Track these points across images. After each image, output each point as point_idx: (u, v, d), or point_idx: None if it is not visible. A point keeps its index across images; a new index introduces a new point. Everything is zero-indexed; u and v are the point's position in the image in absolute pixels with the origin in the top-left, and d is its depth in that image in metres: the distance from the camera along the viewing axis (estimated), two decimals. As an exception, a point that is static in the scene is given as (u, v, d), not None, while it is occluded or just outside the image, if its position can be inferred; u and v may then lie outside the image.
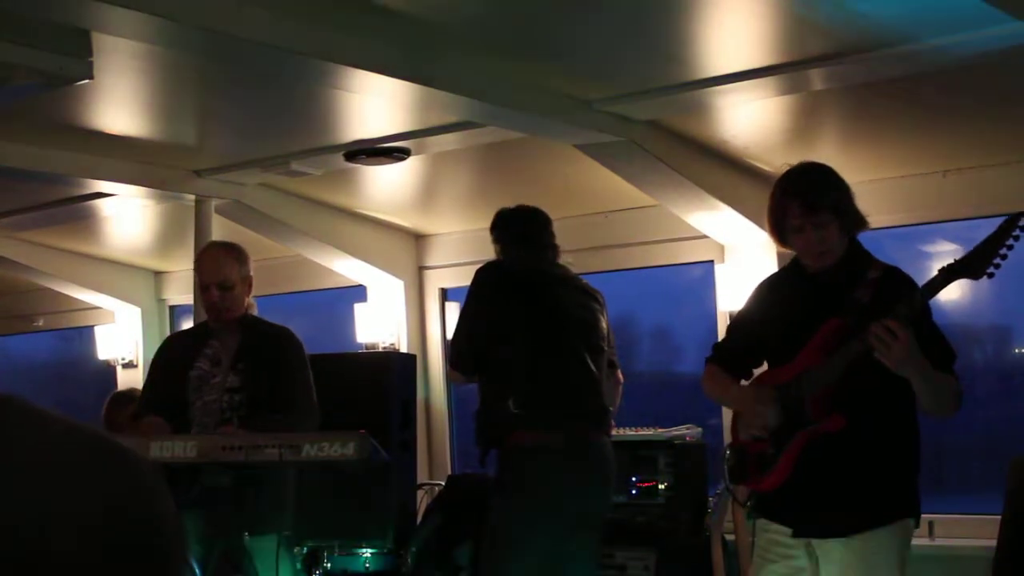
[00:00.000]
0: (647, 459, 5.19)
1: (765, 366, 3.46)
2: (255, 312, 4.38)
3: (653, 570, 5.01)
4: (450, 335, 5.50)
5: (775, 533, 3.29)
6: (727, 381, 3.46)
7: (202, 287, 4.26)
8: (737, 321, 3.59)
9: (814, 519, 3.20)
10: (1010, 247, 2.97)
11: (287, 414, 4.13)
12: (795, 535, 3.21)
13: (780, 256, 5.19)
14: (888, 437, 3.20)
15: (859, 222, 3.23)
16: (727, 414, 5.47)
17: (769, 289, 3.45)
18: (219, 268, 4.23)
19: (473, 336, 4.20)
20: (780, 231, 3.25)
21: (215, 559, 4.11)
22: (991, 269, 2.97)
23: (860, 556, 3.14)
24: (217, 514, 4.04)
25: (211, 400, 4.16)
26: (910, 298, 3.00)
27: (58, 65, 3.47)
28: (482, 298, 4.21)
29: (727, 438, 5.32)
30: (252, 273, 4.31)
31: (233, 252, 4.31)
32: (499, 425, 4.12)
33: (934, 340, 3.09)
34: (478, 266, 4.28)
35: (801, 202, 3.16)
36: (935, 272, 3.02)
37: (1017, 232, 2.97)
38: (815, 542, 3.20)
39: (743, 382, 3.48)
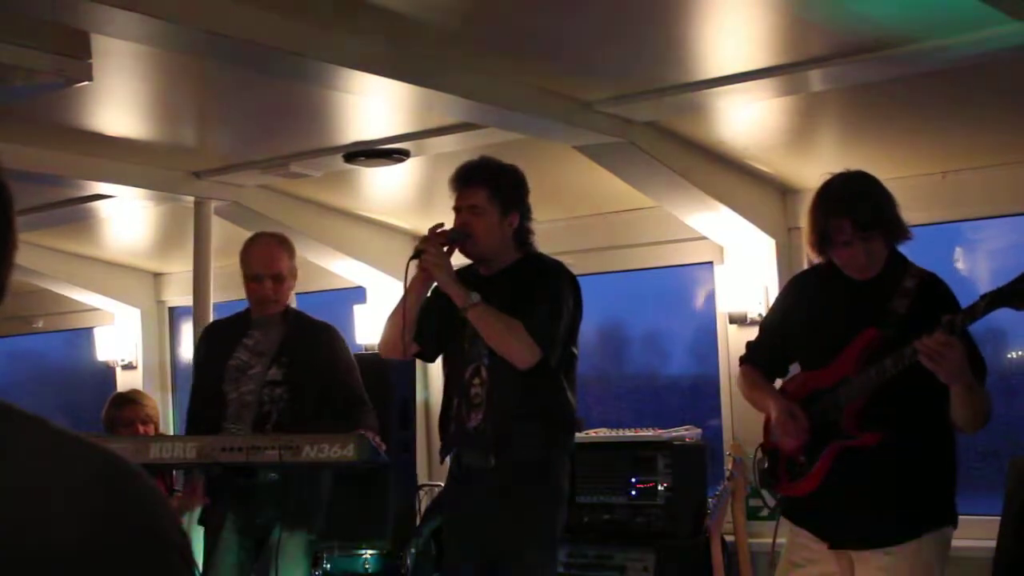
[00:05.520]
0: (646, 460, 5.19)
1: (797, 366, 3.44)
2: (294, 306, 4.34)
3: (652, 571, 5.01)
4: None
5: (804, 538, 3.28)
6: (762, 386, 3.41)
7: (253, 278, 4.18)
8: (771, 320, 3.53)
9: (850, 529, 3.18)
10: None
11: (360, 411, 4.12)
12: (832, 547, 3.20)
13: (780, 257, 5.20)
14: (925, 449, 3.17)
15: (902, 232, 3.17)
16: (726, 415, 5.47)
17: (803, 289, 3.41)
18: (273, 260, 4.18)
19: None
20: (822, 245, 3.18)
21: (249, 553, 4.12)
22: None
23: (903, 567, 3.11)
24: (257, 509, 4.06)
25: (248, 391, 4.11)
26: (951, 317, 2.92)
27: (58, 67, 3.46)
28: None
29: (727, 439, 5.33)
30: (297, 266, 4.28)
31: (285, 244, 4.26)
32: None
33: (971, 356, 3.01)
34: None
35: (852, 220, 3.09)
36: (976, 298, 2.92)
37: None
38: (852, 553, 3.19)
39: (779, 381, 3.47)
